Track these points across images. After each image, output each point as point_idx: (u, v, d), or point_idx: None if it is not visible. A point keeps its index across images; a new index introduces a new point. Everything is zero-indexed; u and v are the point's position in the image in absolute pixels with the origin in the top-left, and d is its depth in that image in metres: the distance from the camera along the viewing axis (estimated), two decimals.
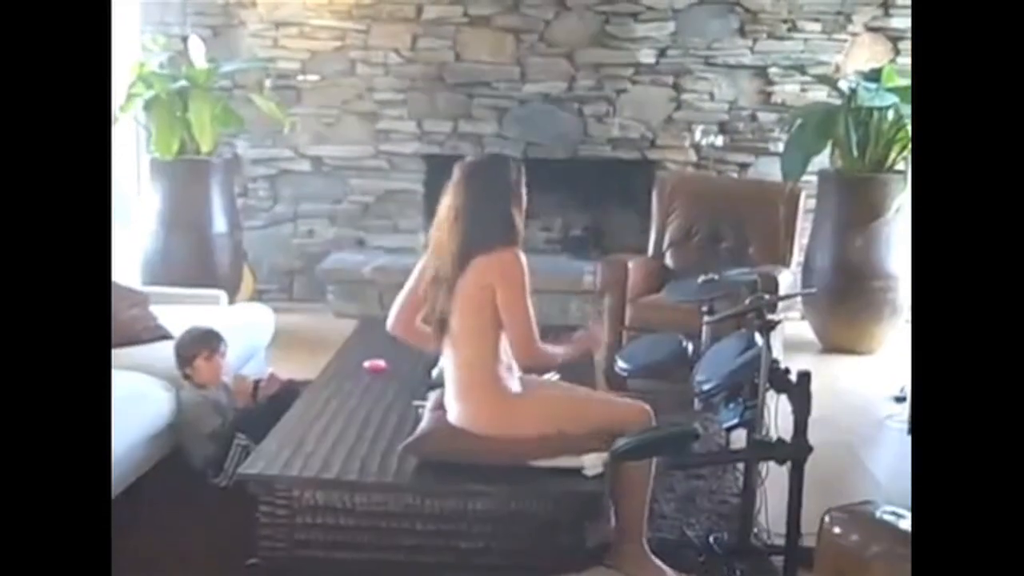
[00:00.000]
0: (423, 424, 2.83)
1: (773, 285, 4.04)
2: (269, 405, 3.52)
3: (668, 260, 4.92)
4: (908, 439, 4.02)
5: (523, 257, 2.76)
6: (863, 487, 3.79)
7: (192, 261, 5.39)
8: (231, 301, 5.62)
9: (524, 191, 2.89)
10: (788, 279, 4.58)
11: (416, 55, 6.02)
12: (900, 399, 4.49)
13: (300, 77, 6.10)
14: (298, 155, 6.21)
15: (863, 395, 4.72)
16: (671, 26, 5.87)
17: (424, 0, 5.95)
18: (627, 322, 4.48)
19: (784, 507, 2.73)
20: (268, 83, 6.09)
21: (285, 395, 3.54)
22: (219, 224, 5.59)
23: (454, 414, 2.79)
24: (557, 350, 2.90)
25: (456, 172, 2.86)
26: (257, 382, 3.66)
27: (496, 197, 2.82)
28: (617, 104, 5.98)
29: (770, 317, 2.61)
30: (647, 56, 5.92)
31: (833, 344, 5.29)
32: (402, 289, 3.03)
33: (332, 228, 6.29)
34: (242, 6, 6.05)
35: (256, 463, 2.71)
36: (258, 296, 6.21)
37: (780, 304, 4.38)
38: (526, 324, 2.73)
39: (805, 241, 5.30)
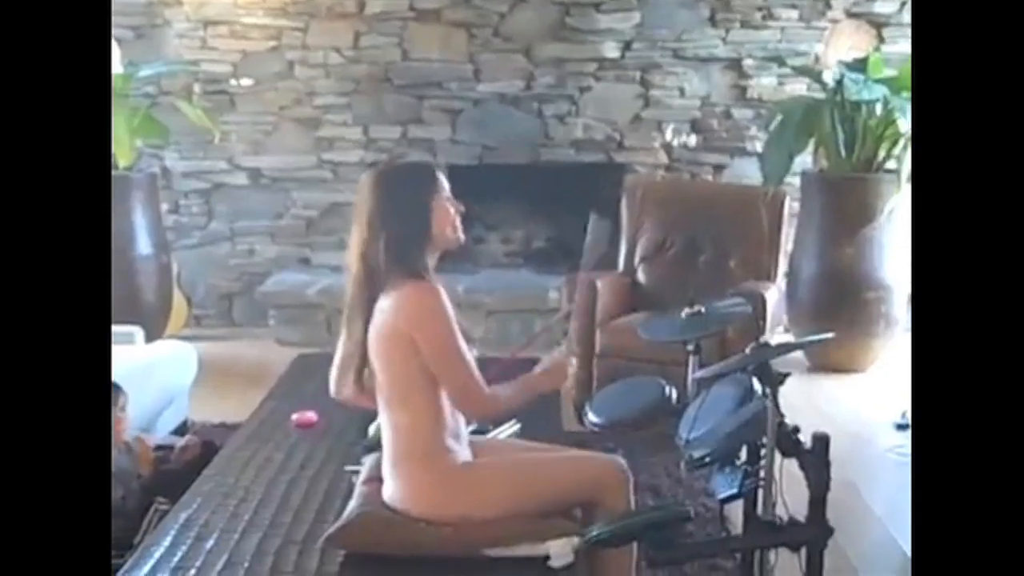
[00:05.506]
0: (352, 504, 2.31)
1: (762, 306, 3.57)
2: (185, 470, 3.04)
3: (640, 276, 4.45)
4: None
5: (440, 290, 2.20)
6: (870, 535, 3.35)
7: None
8: (161, 331, 5.11)
9: (449, 209, 2.29)
10: (775, 296, 4.12)
11: (359, 54, 5.52)
12: (902, 426, 4.04)
13: (233, 81, 5.59)
14: (233, 167, 5.70)
15: (860, 420, 4.27)
16: (636, 17, 5.44)
17: None
18: (598, 349, 4.00)
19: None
20: (197, 88, 5.56)
21: (203, 459, 3.04)
22: (143, 246, 5.05)
23: (389, 491, 2.28)
24: (515, 390, 2.36)
25: (360, 183, 2.30)
26: (168, 448, 3.16)
27: (415, 213, 2.24)
28: (580, 103, 5.53)
29: (778, 370, 2.13)
30: (611, 50, 5.47)
31: (823, 362, 4.84)
32: (339, 343, 2.41)
33: (273, 246, 5.79)
34: (166, 5, 5.52)
35: (141, 566, 2.19)
36: (194, 322, 5.71)
37: (767, 323, 3.95)
38: (463, 374, 2.20)
39: (790, 248, 4.85)
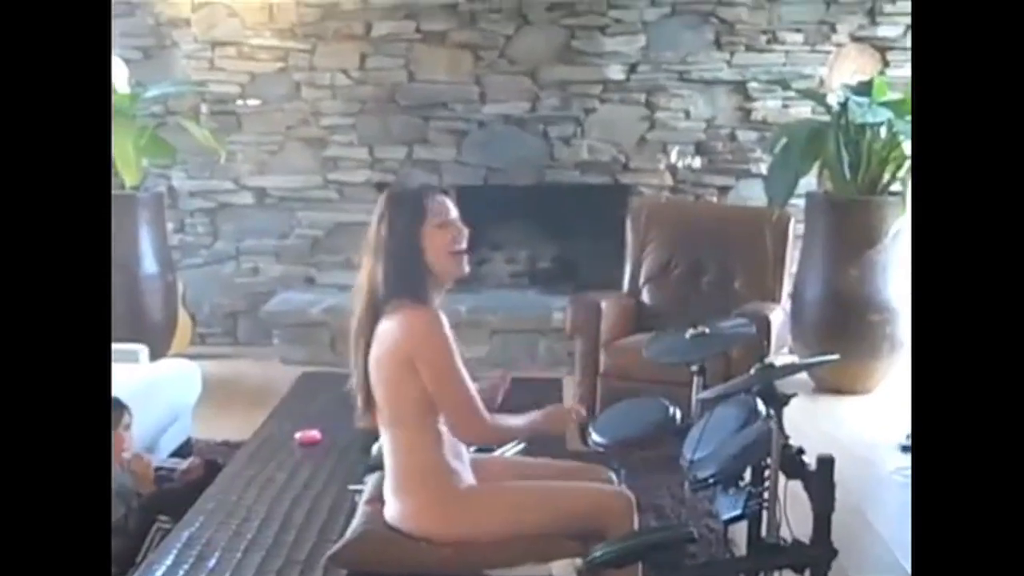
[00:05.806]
0: (354, 524, 2.31)
1: (766, 327, 3.57)
2: (187, 489, 3.04)
3: (645, 297, 4.44)
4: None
5: (440, 315, 2.19)
6: (874, 557, 3.33)
7: (116, 308, 4.79)
8: (166, 349, 5.11)
9: (445, 236, 2.26)
10: (780, 317, 4.11)
11: (366, 75, 5.56)
12: (907, 448, 4.02)
13: (240, 102, 5.62)
14: (239, 186, 5.73)
15: (865, 442, 4.25)
16: (641, 40, 5.47)
17: (373, 16, 5.50)
18: (602, 369, 3.99)
19: None
20: (204, 109, 5.60)
21: (206, 479, 3.03)
22: (148, 264, 5.06)
23: (392, 511, 2.28)
24: (515, 423, 2.34)
25: (377, 205, 2.31)
26: (170, 469, 3.17)
27: (405, 241, 2.22)
28: (585, 125, 5.56)
29: (782, 392, 2.12)
30: (616, 72, 5.49)
31: (827, 384, 4.83)
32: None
33: (278, 265, 5.81)
34: (174, 26, 5.56)
35: None
36: (199, 340, 5.72)
37: (772, 345, 3.94)
38: (463, 400, 2.18)
39: (794, 269, 4.85)
